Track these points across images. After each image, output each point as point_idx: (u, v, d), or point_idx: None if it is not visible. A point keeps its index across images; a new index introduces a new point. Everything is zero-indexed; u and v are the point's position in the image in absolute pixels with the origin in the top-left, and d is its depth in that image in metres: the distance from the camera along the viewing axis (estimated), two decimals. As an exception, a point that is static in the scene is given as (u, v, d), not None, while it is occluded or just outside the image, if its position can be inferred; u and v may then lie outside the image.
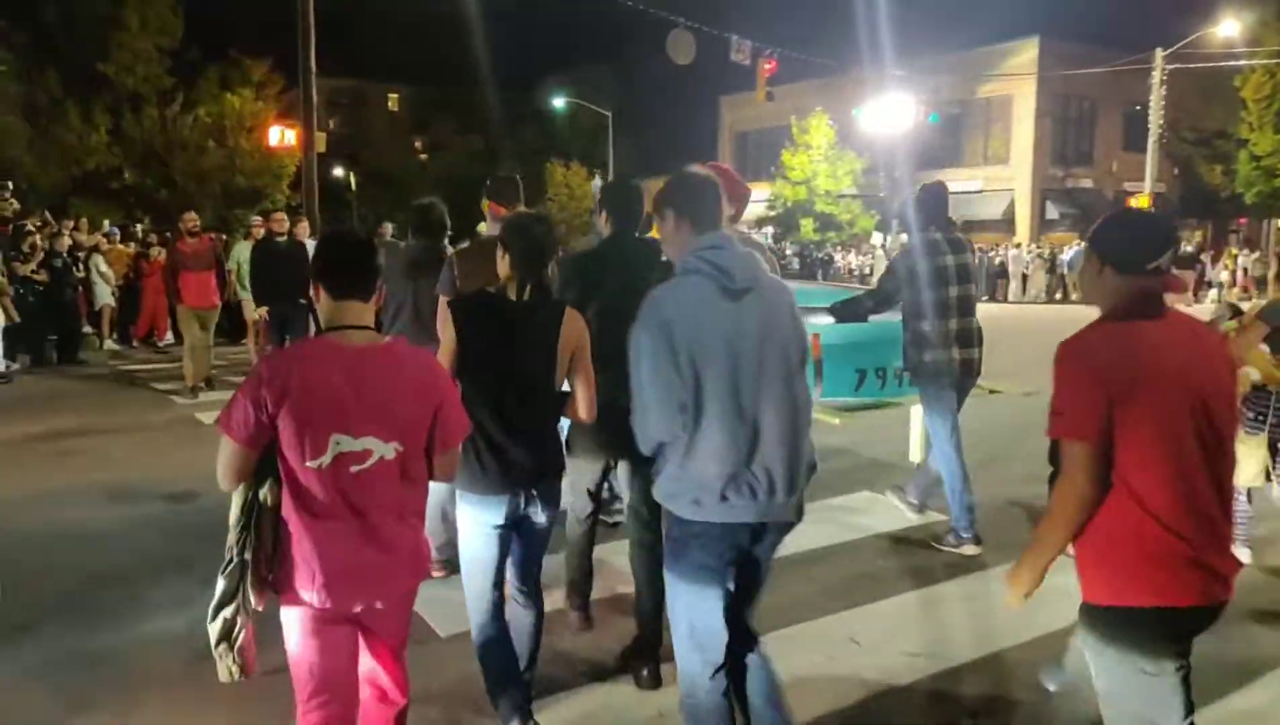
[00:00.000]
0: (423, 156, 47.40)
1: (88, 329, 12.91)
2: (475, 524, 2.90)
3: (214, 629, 2.27)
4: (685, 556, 2.52)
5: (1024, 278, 27.30)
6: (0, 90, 23.52)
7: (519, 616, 3.06)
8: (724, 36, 19.62)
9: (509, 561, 2.98)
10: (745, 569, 2.57)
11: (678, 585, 2.57)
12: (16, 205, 15.61)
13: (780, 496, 2.48)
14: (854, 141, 30.49)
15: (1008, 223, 32.99)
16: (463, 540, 2.96)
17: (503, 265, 2.91)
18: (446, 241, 4.76)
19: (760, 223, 36.56)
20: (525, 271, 2.86)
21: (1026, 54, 31.92)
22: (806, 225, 32.85)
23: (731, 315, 2.44)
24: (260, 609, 2.27)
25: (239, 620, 2.26)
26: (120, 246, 13.77)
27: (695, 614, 2.55)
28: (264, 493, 2.22)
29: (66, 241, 12.36)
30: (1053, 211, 33.17)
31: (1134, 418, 2.05)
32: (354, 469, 2.19)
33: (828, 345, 6.51)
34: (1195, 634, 2.16)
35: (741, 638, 2.64)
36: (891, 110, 23.97)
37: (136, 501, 5.68)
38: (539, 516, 2.91)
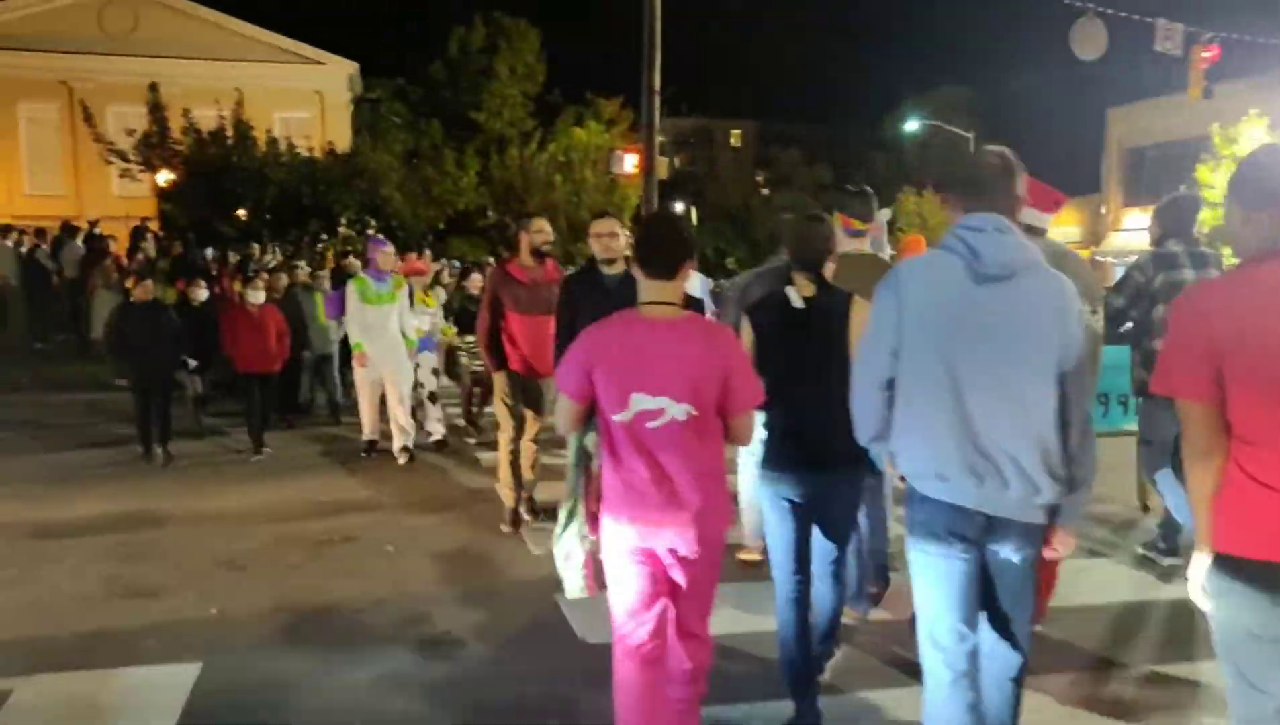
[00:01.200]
0: (764, 191, 46.62)
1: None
2: (771, 500, 3.17)
3: (557, 552, 2.95)
4: (913, 530, 2.51)
5: None
6: (383, 135, 25.83)
7: (819, 594, 3.22)
8: (1146, 22, 15.69)
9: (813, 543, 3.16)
10: (989, 569, 2.49)
11: (912, 568, 2.55)
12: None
13: (1013, 491, 2.37)
14: (1303, 151, 23.98)
15: None
16: (765, 518, 3.25)
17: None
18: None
19: (1161, 255, 30.57)
20: (802, 264, 3.18)
21: None
22: (1229, 255, 26.54)
23: (968, 298, 2.38)
24: (594, 538, 2.76)
25: (576, 546, 2.87)
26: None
27: (924, 599, 2.51)
28: (588, 440, 2.84)
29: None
30: None
31: (1239, 371, 1.95)
32: (650, 425, 2.55)
33: None
34: None
35: (998, 641, 2.55)
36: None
37: (390, 644, 4.08)
38: (834, 499, 3.12)
